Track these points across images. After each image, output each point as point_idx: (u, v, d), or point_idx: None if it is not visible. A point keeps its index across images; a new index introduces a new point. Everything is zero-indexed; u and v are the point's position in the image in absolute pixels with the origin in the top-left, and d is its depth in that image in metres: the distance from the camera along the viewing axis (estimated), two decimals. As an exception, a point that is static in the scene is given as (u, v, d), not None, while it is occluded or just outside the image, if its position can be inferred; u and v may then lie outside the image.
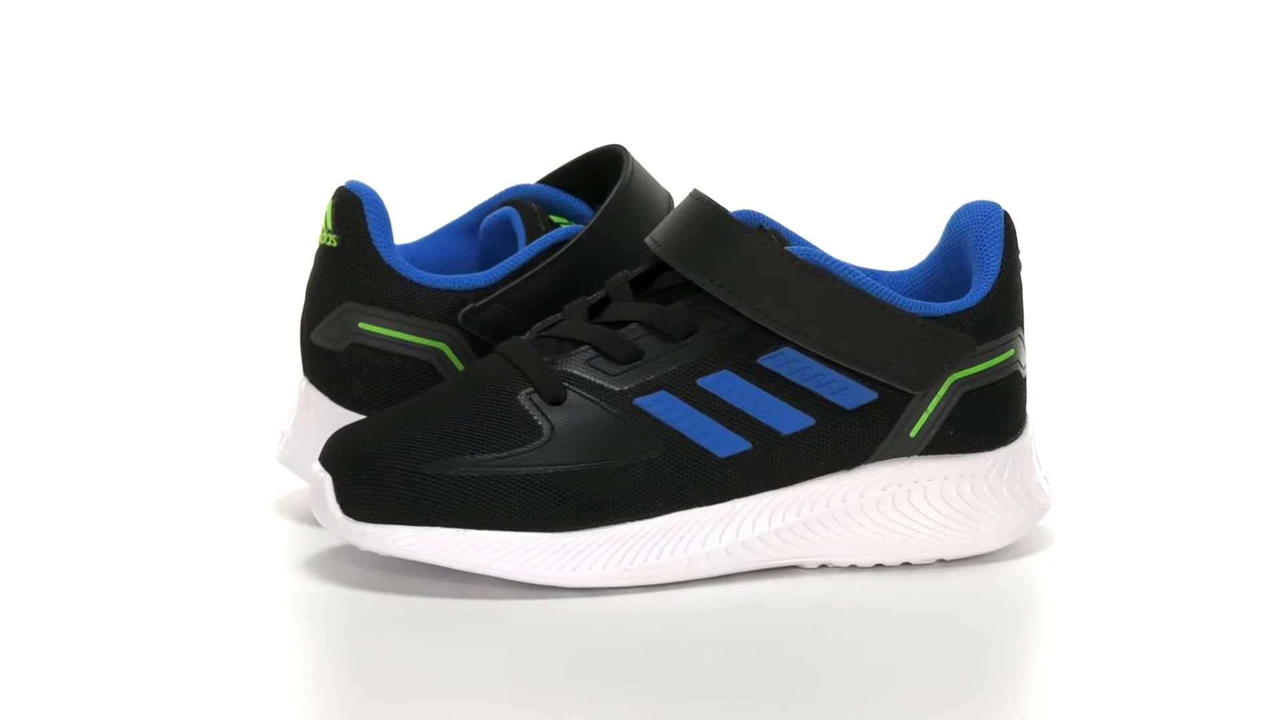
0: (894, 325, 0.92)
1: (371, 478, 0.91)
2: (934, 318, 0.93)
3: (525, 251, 1.03)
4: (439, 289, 1.02)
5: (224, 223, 1.56)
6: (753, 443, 0.92)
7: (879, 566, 0.95)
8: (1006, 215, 0.95)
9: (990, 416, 0.95)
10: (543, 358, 0.93)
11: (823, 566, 0.95)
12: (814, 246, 0.93)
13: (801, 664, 0.85)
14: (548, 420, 0.91)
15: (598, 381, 0.92)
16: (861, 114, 1.64)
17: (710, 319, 0.93)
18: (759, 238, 0.92)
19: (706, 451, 0.92)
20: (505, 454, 0.91)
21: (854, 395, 0.93)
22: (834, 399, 0.92)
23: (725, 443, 0.92)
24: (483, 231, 1.09)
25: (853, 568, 0.95)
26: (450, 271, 1.09)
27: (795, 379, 0.92)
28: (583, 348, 0.93)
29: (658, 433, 0.91)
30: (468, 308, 1.01)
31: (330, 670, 0.86)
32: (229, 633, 0.88)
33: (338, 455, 0.92)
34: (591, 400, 0.92)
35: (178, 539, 1.01)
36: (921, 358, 0.93)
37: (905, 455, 0.94)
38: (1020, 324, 0.96)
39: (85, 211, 1.58)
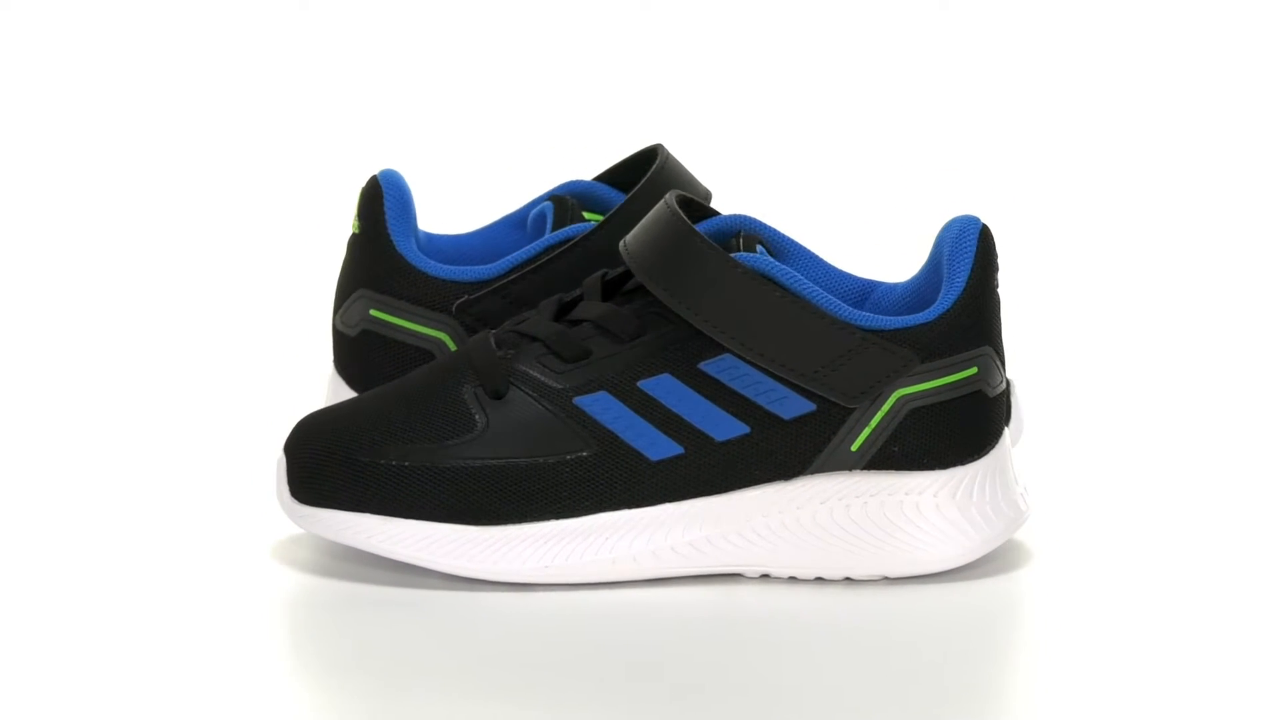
0: (833, 336, 0.90)
1: (314, 462, 0.92)
2: (878, 331, 0.90)
3: (533, 246, 1.03)
4: (444, 279, 1.03)
5: (284, 215, 1.60)
6: (685, 447, 0.91)
7: (819, 580, 0.93)
8: (983, 231, 0.92)
9: (942, 435, 0.92)
10: (498, 352, 0.93)
11: (765, 576, 0.93)
12: (765, 257, 0.91)
13: (699, 674, 0.84)
14: (485, 414, 0.92)
15: (541, 378, 0.92)
16: (883, 123, 1.63)
17: (659, 322, 0.92)
18: (704, 242, 0.91)
19: (638, 454, 0.91)
20: (437, 445, 0.91)
21: (792, 405, 0.91)
22: (771, 408, 0.91)
23: (658, 446, 0.91)
24: (529, 224, 1.10)
25: (793, 580, 0.93)
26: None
27: (734, 386, 0.91)
28: (536, 344, 0.93)
29: (592, 432, 0.91)
30: (463, 299, 1.02)
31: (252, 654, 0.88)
32: (225, 617, 0.90)
33: (293, 438, 0.94)
34: (531, 396, 0.92)
35: (196, 527, 1.02)
36: (858, 371, 0.90)
37: (846, 469, 0.92)
38: (990, 341, 0.92)
39: (137, 202, 1.62)
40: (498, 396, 0.92)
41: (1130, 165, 1.64)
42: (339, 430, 0.92)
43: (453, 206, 1.21)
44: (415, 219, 1.06)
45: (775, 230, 0.95)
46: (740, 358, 0.90)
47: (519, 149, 1.61)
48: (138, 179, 1.63)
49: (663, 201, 0.94)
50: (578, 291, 0.96)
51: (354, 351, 1.04)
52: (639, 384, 0.91)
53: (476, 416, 0.92)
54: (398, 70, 1.66)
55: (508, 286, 1.02)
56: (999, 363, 0.93)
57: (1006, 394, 0.95)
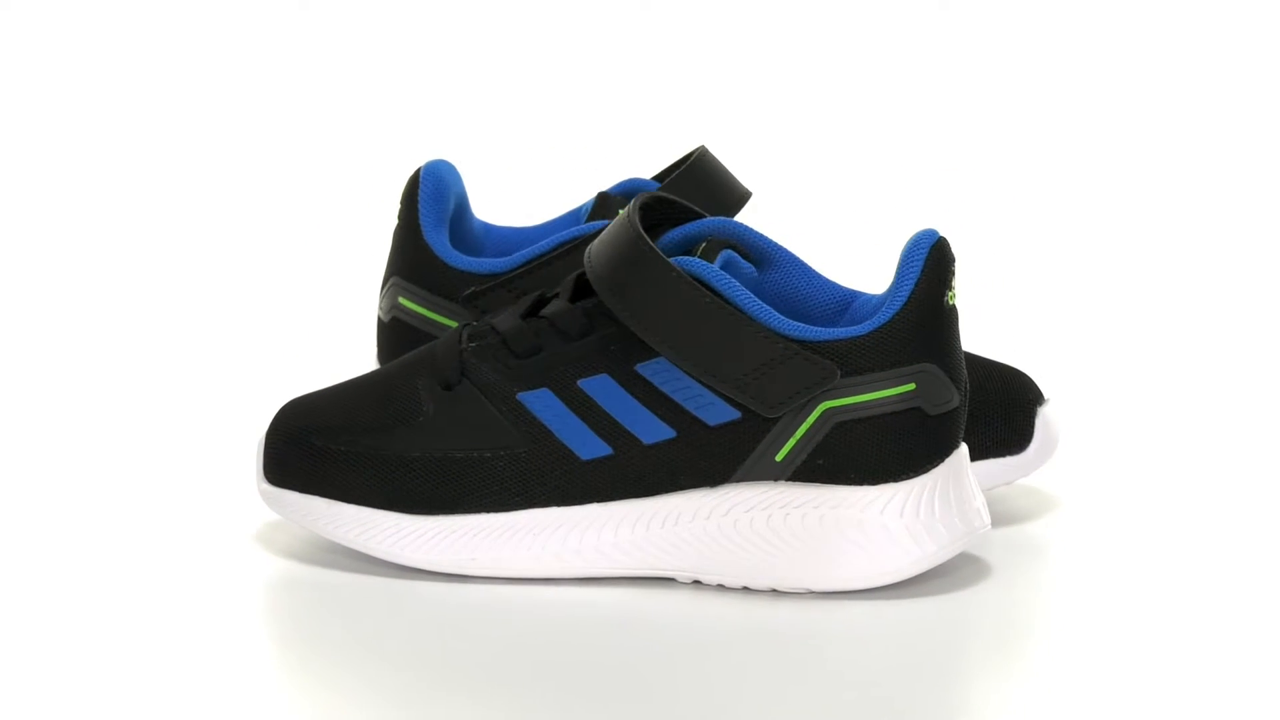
0: (756, 345, 0.90)
1: (280, 444, 0.96)
2: (803, 341, 0.90)
3: (544, 242, 1.06)
4: (463, 271, 1.06)
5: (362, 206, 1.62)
6: (614, 448, 0.92)
7: (746, 590, 0.93)
8: (935, 246, 0.91)
9: (871, 451, 0.91)
10: (462, 344, 0.96)
11: (697, 583, 0.94)
12: (702, 262, 0.92)
13: (598, 677, 0.85)
14: (431, 406, 0.94)
15: (491, 372, 0.94)
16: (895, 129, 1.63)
17: (605, 322, 0.93)
18: (646, 245, 0.92)
19: (570, 452, 0.93)
20: (384, 433, 0.94)
21: (718, 412, 0.91)
22: (698, 413, 0.91)
23: (589, 445, 0.92)
24: (581, 220, 1.12)
25: (721, 588, 0.93)
26: None
27: (665, 389, 0.92)
28: (497, 338, 0.95)
29: (530, 428, 0.93)
30: (470, 290, 1.05)
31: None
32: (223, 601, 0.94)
33: (273, 421, 0.98)
34: (478, 390, 0.94)
35: (195, 511, 1.06)
36: (779, 381, 0.90)
37: (771, 479, 0.91)
38: (935, 358, 0.91)
39: (185, 191, 1.66)
40: (448, 388, 0.95)
41: (1161, 178, 1.63)
42: (306, 414, 0.96)
43: (537, 199, 1.23)
44: (449, 210, 1.08)
45: (761, 236, 0.95)
46: (673, 361, 0.92)
47: (611, 144, 1.63)
48: (216, 166, 1.68)
49: (630, 205, 0.96)
50: (557, 289, 0.98)
51: (387, 338, 1.08)
52: (579, 383, 0.93)
53: (425, 407, 0.94)
54: (493, 70, 1.70)
55: (514, 281, 1.04)
56: (949, 379, 0.92)
57: (958, 411, 0.92)
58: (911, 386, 0.91)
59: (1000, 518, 1.03)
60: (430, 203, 1.07)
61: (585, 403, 0.93)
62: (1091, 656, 0.88)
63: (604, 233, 0.95)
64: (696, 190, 1.06)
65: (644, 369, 0.92)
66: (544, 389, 0.93)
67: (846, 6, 1.73)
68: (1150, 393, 1.32)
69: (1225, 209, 1.65)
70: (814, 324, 0.95)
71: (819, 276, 0.96)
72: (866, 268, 1.11)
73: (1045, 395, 1.05)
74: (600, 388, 0.93)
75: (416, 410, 0.94)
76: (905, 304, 0.91)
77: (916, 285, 0.91)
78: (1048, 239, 1.64)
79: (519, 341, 0.94)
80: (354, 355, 1.14)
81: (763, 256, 0.96)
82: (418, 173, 1.07)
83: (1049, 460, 1.05)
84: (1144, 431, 1.23)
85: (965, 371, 0.93)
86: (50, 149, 1.66)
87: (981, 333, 1.11)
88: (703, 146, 1.09)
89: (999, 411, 1.03)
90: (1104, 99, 1.71)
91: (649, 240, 0.92)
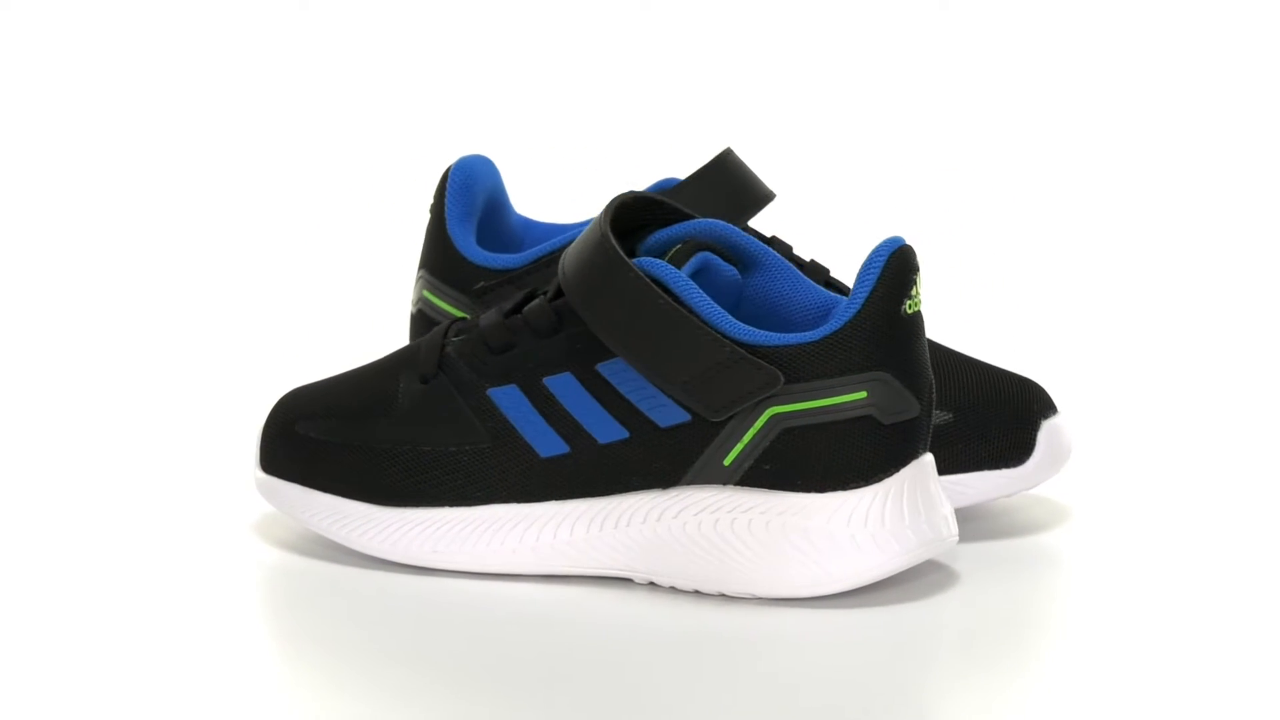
0: (706, 348, 0.90)
1: (272, 430, 0.99)
2: (750, 346, 0.90)
3: (558, 239, 1.07)
4: (480, 266, 1.07)
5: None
6: (571, 447, 0.93)
7: (697, 593, 0.93)
8: (895, 255, 0.90)
9: (819, 458, 0.90)
10: (445, 339, 0.97)
11: (652, 584, 0.94)
12: (662, 263, 0.92)
13: (533, 673, 0.86)
14: (406, 398, 0.96)
15: (465, 367, 0.95)
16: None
17: (574, 320, 0.94)
18: (609, 245, 0.92)
19: (531, 449, 0.94)
20: (358, 424, 0.96)
21: (669, 414, 0.92)
22: (650, 414, 0.92)
23: (548, 443, 0.93)
24: None
25: (674, 590, 0.94)
26: None
27: (622, 389, 0.92)
28: (478, 333, 0.97)
29: (495, 424, 0.94)
30: (479, 285, 1.07)
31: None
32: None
33: (271, 408, 1.01)
34: (451, 384, 0.96)
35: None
36: (723, 385, 0.90)
37: (720, 483, 0.92)
38: (890, 367, 0.90)
39: (209, 182, 1.66)
40: (424, 382, 0.97)
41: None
42: (298, 401, 0.99)
43: (583, 197, 1.24)
44: (478, 205, 1.09)
45: (749, 239, 0.95)
46: (626, 361, 0.92)
47: (659, 144, 1.63)
48: (250, 162, 1.69)
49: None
50: (546, 287, 0.99)
51: (415, 331, 1.10)
52: (545, 380, 0.94)
53: (401, 400, 0.96)
54: (546, 69, 1.71)
55: (522, 277, 1.06)
56: (905, 389, 0.91)
57: (917, 421, 0.91)
58: (863, 394, 0.90)
59: (991, 530, 1.02)
60: (457, 197, 1.08)
61: (548, 400, 0.94)
62: (1054, 665, 0.87)
63: (581, 235, 0.96)
64: (713, 191, 1.06)
65: (604, 368, 0.93)
66: (512, 385, 0.94)
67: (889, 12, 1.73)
68: (1169, 405, 1.30)
69: (1243, 221, 1.61)
70: (797, 329, 0.94)
71: (805, 281, 0.95)
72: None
73: (1056, 408, 1.03)
74: (563, 386, 0.94)
75: (393, 402, 0.96)
76: (858, 312, 0.90)
77: (871, 293, 0.90)
78: (1067, 247, 1.62)
79: (495, 337, 0.96)
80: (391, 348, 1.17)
81: (749, 260, 0.96)
82: (449, 168, 1.09)
83: (1055, 475, 1.03)
84: (1160, 445, 1.21)
85: (930, 381, 0.92)
86: (96, 141, 1.68)
87: (998, 340, 1.09)
88: (728, 148, 1.09)
89: (1000, 423, 1.01)
90: (1133, 105, 1.69)
91: (612, 240, 0.93)
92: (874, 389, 0.90)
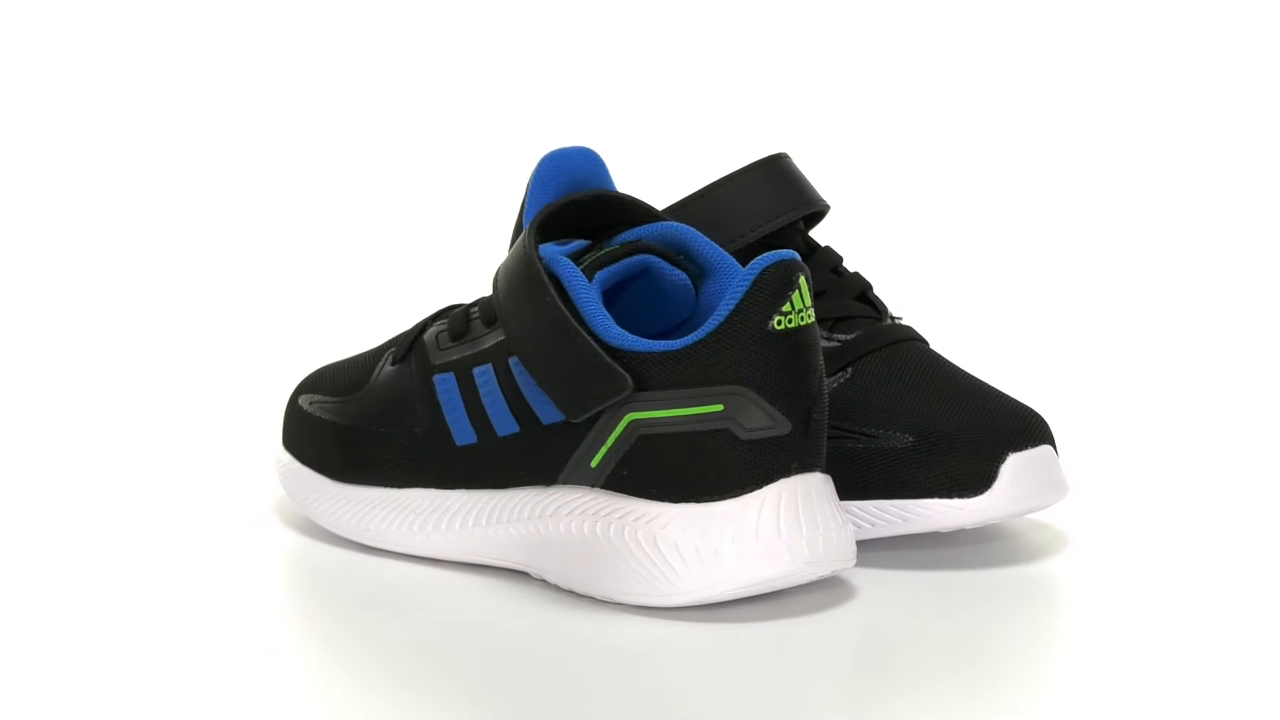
0: (575, 348, 0.90)
1: (288, 403, 1.05)
2: (616, 350, 0.89)
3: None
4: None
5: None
6: (478, 438, 0.95)
7: (572, 593, 0.93)
8: (767, 269, 0.88)
9: (672, 467, 0.89)
10: (428, 324, 1.00)
11: (544, 581, 0.94)
12: (563, 260, 0.92)
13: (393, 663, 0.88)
14: (379, 378, 1.00)
15: (424, 353, 0.98)
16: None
17: None
18: (525, 238, 0.94)
19: (450, 437, 0.96)
20: (334, 399, 1.01)
21: (551, 412, 0.92)
22: (537, 411, 0.93)
23: (463, 432, 0.95)
24: None
25: (555, 588, 0.94)
26: None
27: (520, 383, 0.93)
28: (449, 319, 0.99)
29: (431, 410, 0.97)
30: None
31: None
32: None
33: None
34: (409, 368, 0.99)
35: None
36: (580, 388, 0.90)
37: (588, 484, 0.91)
38: (750, 382, 0.88)
39: (228, 186, 1.62)
40: (395, 363, 1.00)
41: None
42: (310, 377, 1.04)
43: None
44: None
45: (709, 244, 0.94)
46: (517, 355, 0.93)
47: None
48: (309, 162, 1.65)
49: None
50: None
51: None
52: (473, 370, 0.96)
53: (373, 380, 1.00)
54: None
55: None
56: (769, 405, 0.88)
57: (787, 439, 0.88)
58: (719, 407, 0.89)
59: (947, 558, 0.98)
60: (537, 190, 1.10)
61: (471, 390, 0.96)
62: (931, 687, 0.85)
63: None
64: (754, 188, 1.04)
65: (514, 362, 0.94)
66: (449, 373, 0.97)
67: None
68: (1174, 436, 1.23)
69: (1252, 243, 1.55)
70: None
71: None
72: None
73: (1042, 441, 0.97)
74: (483, 377, 0.95)
75: (366, 381, 1.01)
76: (720, 324, 0.88)
77: (736, 306, 0.88)
78: (1085, 271, 1.56)
79: (455, 325, 0.98)
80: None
81: (706, 266, 0.95)
82: (541, 159, 1.10)
83: (1035, 510, 0.97)
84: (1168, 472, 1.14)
85: (809, 400, 0.89)
86: (147, 133, 1.67)
87: (1014, 361, 1.04)
88: (782, 152, 1.07)
89: (961, 451, 0.97)
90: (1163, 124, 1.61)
91: (528, 234, 0.94)
92: (731, 403, 0.88)
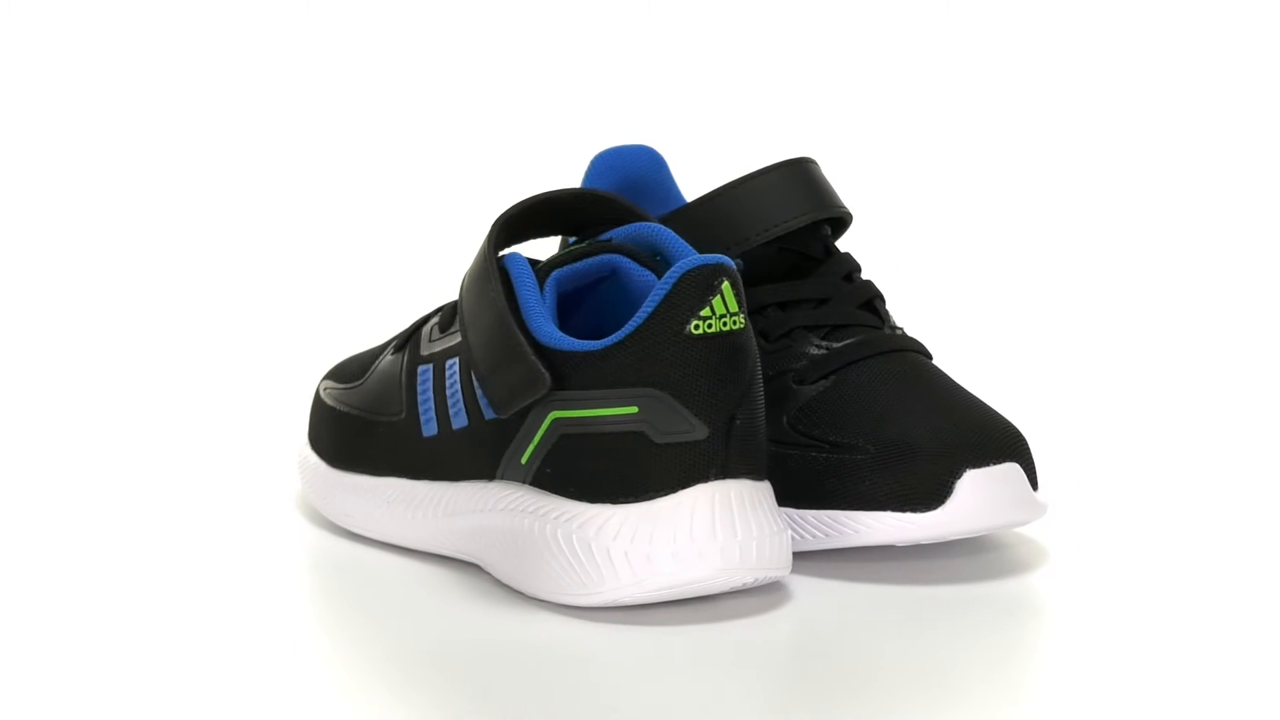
0: (506, 343, 0.90)
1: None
2: (542, 347, 0.89)
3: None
4: None
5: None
6: (439, 429, 0.96)
7: (507, 588, 0.93)
8: (688, 274, 0.87)
9: (589, 467, 0.89)
10: (431, 315, 1.02)
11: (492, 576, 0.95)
12: (517, 255, 0.93)
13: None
14: (380, 366, 1.02)
15: (417, 343, 1.00)
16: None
17: None
18: (490, 232, 0.94)
19: (419, 428, 0.97)
20: (342, 387, 1.03)
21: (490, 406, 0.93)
22: (481, 404, 0.93)
23: (429, 424, 0.97)
24: None
25: (498, 583, 0.94)
26: None
27: (474, 377, 0.94)
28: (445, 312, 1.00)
29: (410, 400, 0.98)
30: None
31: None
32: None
33: None
34: (402, 358, 1.00)
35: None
36: (505, 382, 0.90)
37: (520, 480, 0.91)
38: (666, 386, 0.87)
39: (232, 189, 1.61)
40: (394, 352, 1.02)
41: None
42: (333, 366, 1.07)
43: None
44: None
45: (685, 247, 0.93)
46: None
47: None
48: (324, 165, 1.65)
49: None
50: None
51: None
52: (447, 362, 0.97)
53: (373, 368, 1.02)
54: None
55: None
56: (684, 410, 0.87)
57: (704, 444, 0.87)
58: (634, 410, 0.88)
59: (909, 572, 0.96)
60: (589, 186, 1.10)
61: (440, 382, 0.97)
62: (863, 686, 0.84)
63: None
64: (735, 201, 1.03)
65: None
66: (430, 365, 0.98)
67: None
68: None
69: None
70: None
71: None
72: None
73: (1010, 458, 0.94)
74: (451, 369, 0.96)
75: (366, 370, 1.03)
76: (637, 327, 0.88)
77: (654, 310, 0.88)
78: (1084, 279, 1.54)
79: (446, 317, 0.99)
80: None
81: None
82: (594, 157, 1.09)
83: (998, 526, 0.95)
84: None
85: (731, 405, 0.88)
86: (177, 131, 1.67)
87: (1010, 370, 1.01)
88: (807, 156, 1.05)
89: (916, 465, 0.94)
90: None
91: (492, 229, 0.94)
92: (646, 405, 0.88)
